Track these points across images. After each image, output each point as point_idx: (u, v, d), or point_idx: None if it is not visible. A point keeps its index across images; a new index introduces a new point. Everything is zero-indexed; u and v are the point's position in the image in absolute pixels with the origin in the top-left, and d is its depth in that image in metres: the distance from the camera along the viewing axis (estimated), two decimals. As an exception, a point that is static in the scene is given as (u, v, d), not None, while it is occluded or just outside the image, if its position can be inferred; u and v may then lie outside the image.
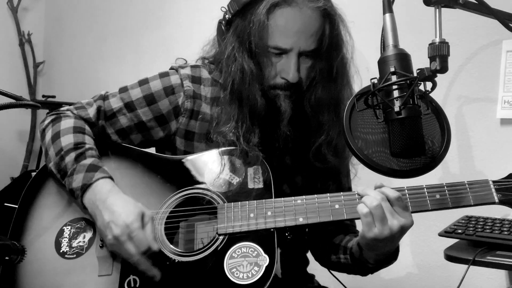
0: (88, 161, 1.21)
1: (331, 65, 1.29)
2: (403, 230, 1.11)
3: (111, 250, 1.17)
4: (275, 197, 1.19)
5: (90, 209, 1.19)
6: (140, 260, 1.13)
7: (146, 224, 1.16)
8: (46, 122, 1.33)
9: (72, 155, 1.22)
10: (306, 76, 1.28)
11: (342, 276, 1.43)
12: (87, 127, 1.30)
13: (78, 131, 1.27)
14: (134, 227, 1.12)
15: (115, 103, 1.33)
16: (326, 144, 1.31)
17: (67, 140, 1.24)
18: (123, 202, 1.16)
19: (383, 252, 1.19)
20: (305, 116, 1.33)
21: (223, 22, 1.31)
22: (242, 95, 1.25)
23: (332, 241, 1.38)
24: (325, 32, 1.25)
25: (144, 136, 1.34)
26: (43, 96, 3.23)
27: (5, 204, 1.49)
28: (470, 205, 1.15)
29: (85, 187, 1.18)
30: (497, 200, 1.14)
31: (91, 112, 1.32)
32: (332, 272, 1.42)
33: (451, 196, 1.14)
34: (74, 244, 1.22)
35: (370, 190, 1.13)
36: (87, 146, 1.24)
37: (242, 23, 1.25)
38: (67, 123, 1.28)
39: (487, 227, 1.40)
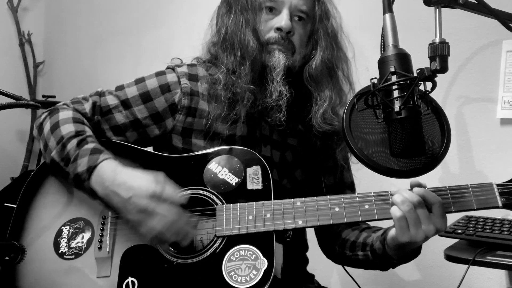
0: (91, 145, 1.20)
1: (324, 33, 1.36)
2: (436, 233, 1.11)
3: (137, 225, 1.13)
4: (274, 196, 1.19)
5: (100, 191, 1.16)
6: (179, 214, 1.12)
7: (165, 182, 1.15)
8: (43, 116, 1.32)
9: (74, 141, 1.21)
10: (300, 39, 1.34)
11: (345, 275, 1.43)
12: (85, 120, 1.30)
13: (78, 122, 1.26)
14: (161, 189, 1.11)
15: (111, 100, 1.33)
16: (330, 109, 1.34)
17: (67, 128, 1.24)
18: (133, 175, 1.15)
19: (409, 250, 1.18)
20: (305, 90, 1.37)
21: None
22: (234, 38, 1.30)
23: (345, 238, 1.37)
24: (315, 2, 1.35)
25: (140, 134, 1.34)
26: (43, 96, 3.22)
27: (5, 204, 1.49)
28: (473, 209, 1.14)
29: (91, 169, 1.16)
30: (500, 204, 1.12)
31: (87, 107, 1.32)
32: (347, 269, 1.42)
33: (454, 200, 1.13)
34: (73, 244, 1.21)
35: (405, 191, 1.11)
36: (87, 133, 1.24)
37: None
38: (65, 114, 1.28)
39: (487, 227, 1.40)
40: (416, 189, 1.11)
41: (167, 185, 1.14)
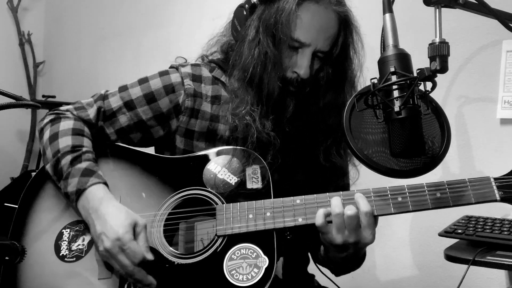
0: (83, 165, 1.21)
1: (342, 71, 1.33)
2: (357, 244, 1.13)
3: (104, 260, 1.16)
4: (274, 197, 1.19)
5: (83, 215, 1.19)
6: (134, 270, 1.12)
7: (138, 234, 1.14)
8: (45, 121, 1.32)
9: (68, 158, 1.21)
10: (313, 77, 1.30)
11: (344, 275, 1.43)
12: (86, 129, 1.30)
13: (77, 133, 1.26)
14: (126, 240, 1.11)
15: (114, 102, 1.32)
16: (335, 146, 1.34)
17: (65, 142, 1.24)
18: (115, 211, 1.15)
19: (340, 256, 1.19)
20: (312, 117, 1.35)
21: (246, 6, 1.31)
22: (262, 79, 1.26)
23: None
24: (339, 39, 1.29)
25: (144, 134, 1.34)
26: (43, 96, 3.23)
27: (5, 204, 1.49)
28: (471, 203, 1.14)
29: (80, 192, 1.18)
30: (498, 198, 1.13)
31: (92, 113, 1.31)
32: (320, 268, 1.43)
33: (452, 194, 1.13)
34: (74, 247, 1.22)
35: (335, 199, 1.13)
36: (84, 149, 1.24)
37: (269, 9, 1.26)
38: (66, 124, 1.28)
39: (487, 227, 1.40)
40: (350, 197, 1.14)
41: (140, 236, 1.14)
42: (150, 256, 1.14)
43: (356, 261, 1.26)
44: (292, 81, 1.27)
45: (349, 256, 1.18)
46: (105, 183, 1.21)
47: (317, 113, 1.34)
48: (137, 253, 1.12)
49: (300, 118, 1.33)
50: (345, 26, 1.29)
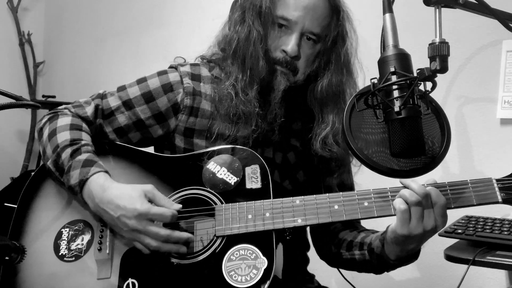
0: (83, 156, 1.21)
1: (336, 57, 1.33)
2: (435, 231, 1.11)
3: (131, 241, 1.16)
4: (274, 196, 1.18)
5: (91, 205, 1.18)
6: (167, 232, 1.13)
7: (154, 198, 1.16)
8: (44, 121, 1.32)
9: (68, 151, 1.21)
10: (306, 61, 1.31)
11: (344, 275, 1.43)
12: (84, 125, 1.30)
13: (75, 128, 1.26)
14: (146, 209, 1.12)
15: (113, 102, 1.32)
16: (332, 135, 1.33)
17: (63, 136, 1.24)
18: (120, 192, 1.15)
19: (407, 249, 1.18)
20: (308, 107, 1.35)
21: None
22: (246, 54, 1.27)
23: (342, 238, 1.37)
24: (331, 23, 1.30)
25: (143, 134, 1.34)
26: (43, 96, 3.23)
27: (5, 204, 1.49)
28: (473, 205, 1.13)
29: (82, 183, 1.18)
30: (500, 200, 1.12)
31: (89, 110, 1.31)
32: (341, 272, 1.41)
33: (453, 196, 1.13)
34: (73, 246, 1.21)
35: (414, 183, 1.11)
36: (83, 142, 1.24)
37: None
38: (64, 120, 1.28)
39: (487, 227, 1.40)
40: (423, 186, 1.11)
41: (156, 198, 1.15)
42: (177, 206, 1.16)
43: (418, 252, 1.24)
44: (281, 61, 1.28)
45: (417, 244, 1.17)
46: (106, 172, 1.21)
47: (315, 101, 1.34)
48: (165, 213, 1.13)
49: (298, 108, 1.34)
50: (336, 11, 1.31)
